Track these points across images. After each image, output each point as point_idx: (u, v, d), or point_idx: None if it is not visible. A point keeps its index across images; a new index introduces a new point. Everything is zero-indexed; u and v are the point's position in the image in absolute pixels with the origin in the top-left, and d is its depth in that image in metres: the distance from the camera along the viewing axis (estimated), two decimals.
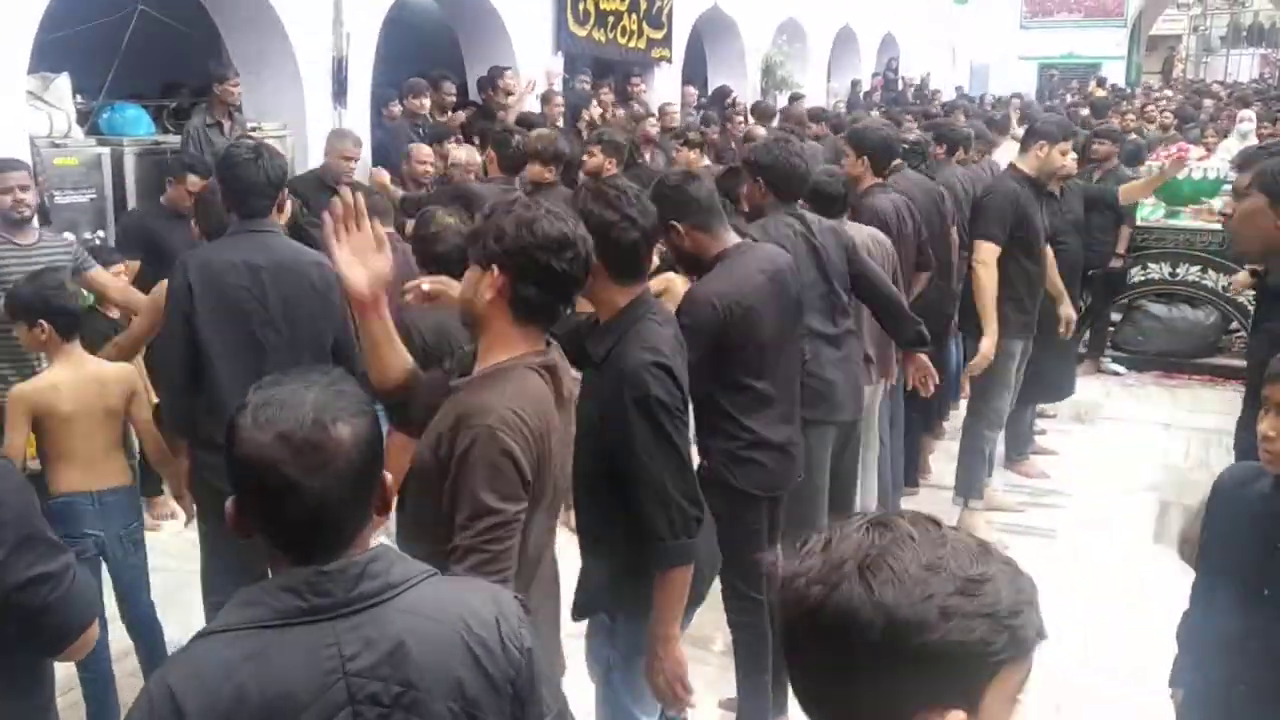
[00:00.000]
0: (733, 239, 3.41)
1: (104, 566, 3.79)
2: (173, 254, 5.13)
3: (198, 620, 4.61)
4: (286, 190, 3.84)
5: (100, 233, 6.36)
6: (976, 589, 1.04)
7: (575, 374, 2.53)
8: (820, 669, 1.09)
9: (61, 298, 3.62)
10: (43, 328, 3.57)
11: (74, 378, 3.65)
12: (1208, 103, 16.01)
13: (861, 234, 4.57)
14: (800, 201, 4.09)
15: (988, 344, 5.23)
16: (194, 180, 5.58)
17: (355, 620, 1.51)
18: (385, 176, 6.96)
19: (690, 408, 2.87)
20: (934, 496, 5.92)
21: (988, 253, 5.20)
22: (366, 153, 7.56)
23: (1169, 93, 17.03)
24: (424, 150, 7.04)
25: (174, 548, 5.37)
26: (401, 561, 1.60)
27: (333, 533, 1.54)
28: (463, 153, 6.82)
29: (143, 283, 5.18)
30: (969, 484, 5.58)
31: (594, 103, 9.13)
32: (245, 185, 3.61)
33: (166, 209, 5.76)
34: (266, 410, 1.51)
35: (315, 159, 6.98)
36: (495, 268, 2.20)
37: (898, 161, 5.78)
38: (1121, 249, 8.17)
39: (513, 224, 2.21)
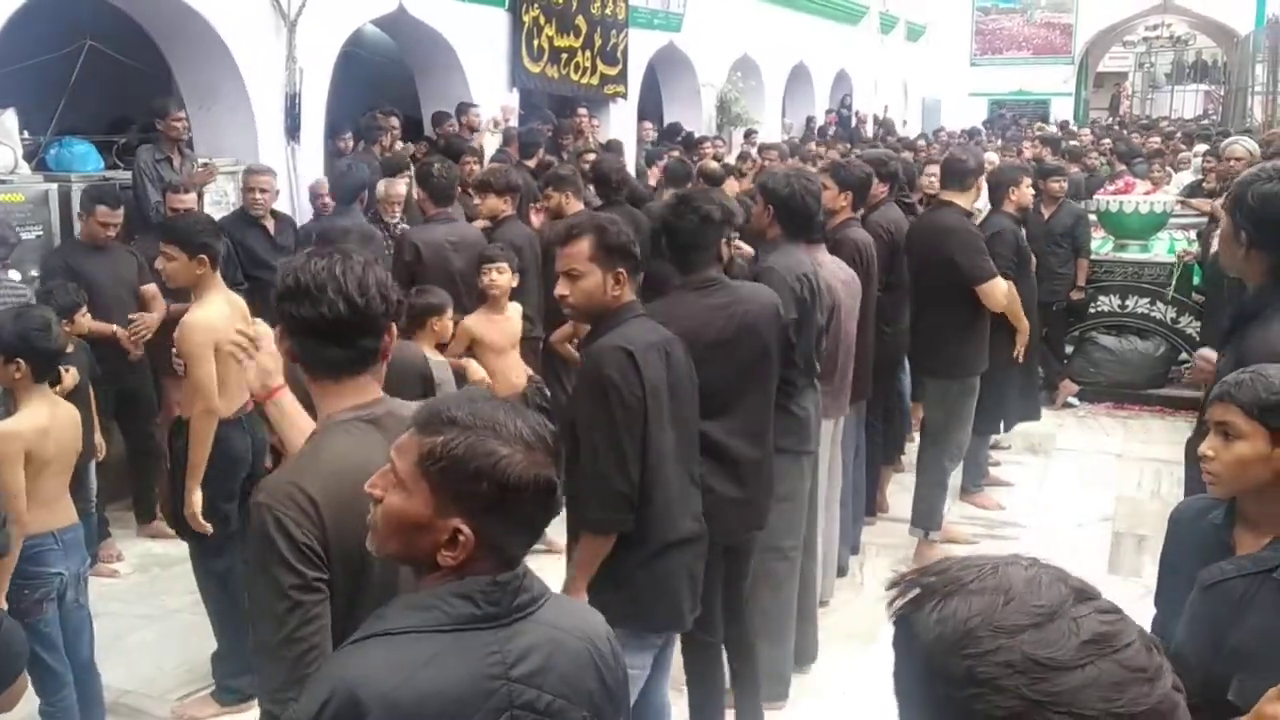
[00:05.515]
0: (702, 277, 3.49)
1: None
2: (97, 287, 5.38)
3: (144, 667, 4.53)
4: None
5: None
6: (1039, 670, 0.95)
7: None
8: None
9: (45, 339, 3.48)
10: (19, 366, 3.44)
11: (53, 419, 3.55)
12: (1136, 139, 16.37)
13: (842, 273, 4.58)
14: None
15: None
16: (103, 210, 5.53)
17: (512, 629, 1.57)
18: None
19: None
20: (890, 529, 5.92)
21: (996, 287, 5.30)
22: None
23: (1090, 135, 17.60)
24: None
25: (118, 592, 5.26)
26: (533, 577, 1.65)
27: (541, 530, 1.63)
28: (382, 185, 6.87)
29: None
30: (928, 515, 5.57)
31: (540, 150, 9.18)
32: None
33: (84, 243, 5.67)
34: (508, 427, 1.54)
35: None
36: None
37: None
38: (1081, 281, 8.28)
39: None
